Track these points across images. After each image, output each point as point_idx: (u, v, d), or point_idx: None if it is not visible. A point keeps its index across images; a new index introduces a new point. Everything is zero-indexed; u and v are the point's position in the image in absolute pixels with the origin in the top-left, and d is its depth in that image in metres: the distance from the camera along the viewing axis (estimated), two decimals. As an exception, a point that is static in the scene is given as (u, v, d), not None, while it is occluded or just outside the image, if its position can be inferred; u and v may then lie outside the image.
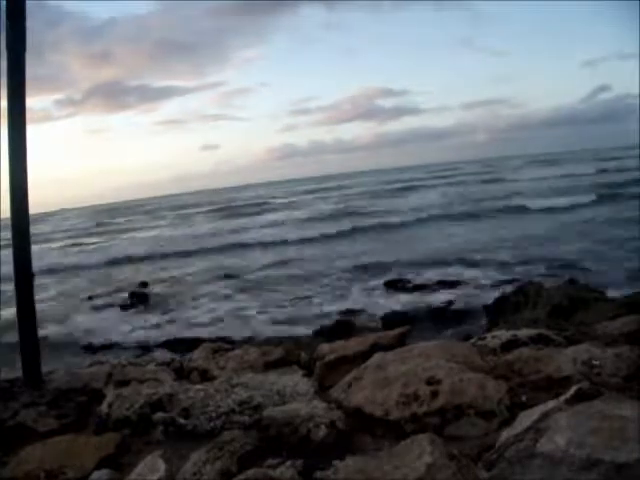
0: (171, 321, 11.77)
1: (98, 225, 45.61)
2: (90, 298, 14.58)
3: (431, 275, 13.22)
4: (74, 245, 30.67)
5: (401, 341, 2.75)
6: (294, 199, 46.74)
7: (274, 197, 53.83)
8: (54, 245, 31.72)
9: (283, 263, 16.66)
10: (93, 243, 30.75)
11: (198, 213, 45.12)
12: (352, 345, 2.75)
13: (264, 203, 46.25)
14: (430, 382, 1.93)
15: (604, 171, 38.56)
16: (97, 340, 10.50)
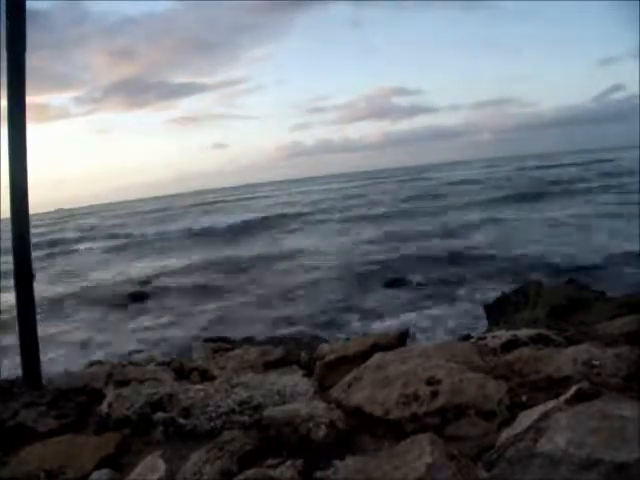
0: (170, 320, 11.78)
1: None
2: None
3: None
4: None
5: (401, 341, 2.76)
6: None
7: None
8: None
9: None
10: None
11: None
12: (352, 345, 2.75)
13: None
14: (430, 382, 1.93)
15: None
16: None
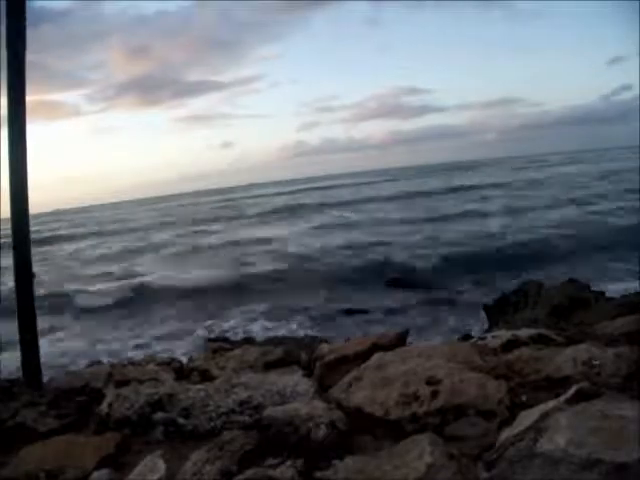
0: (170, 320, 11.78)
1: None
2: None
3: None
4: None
5: (401, 341, 2.76)
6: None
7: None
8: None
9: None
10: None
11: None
12: (352, 345, 2.75)
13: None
14: (430, 382, 1.93)
15: None
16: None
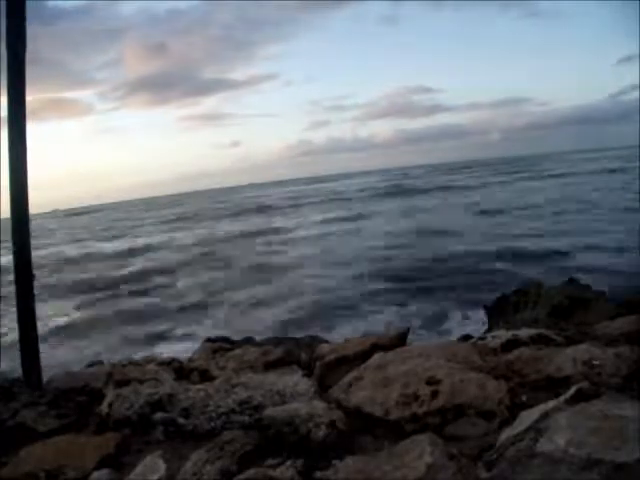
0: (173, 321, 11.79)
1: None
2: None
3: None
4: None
5: (401, 341, 2.76)
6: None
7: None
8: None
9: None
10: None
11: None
12: (352, 345, 2.75)
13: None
14: (430, 382, 1.93)
15: None
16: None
